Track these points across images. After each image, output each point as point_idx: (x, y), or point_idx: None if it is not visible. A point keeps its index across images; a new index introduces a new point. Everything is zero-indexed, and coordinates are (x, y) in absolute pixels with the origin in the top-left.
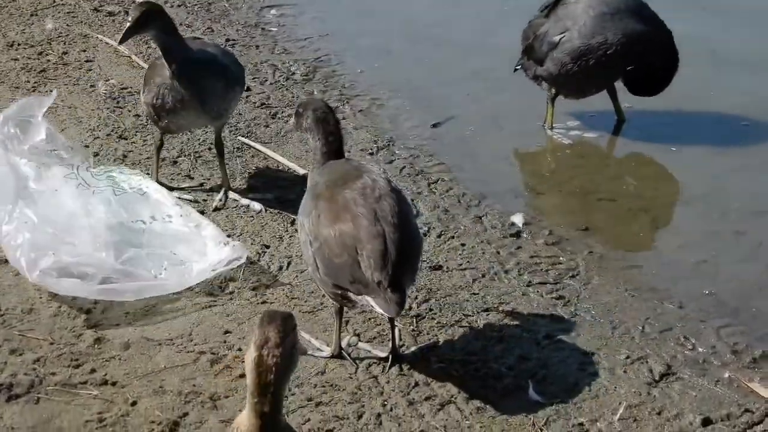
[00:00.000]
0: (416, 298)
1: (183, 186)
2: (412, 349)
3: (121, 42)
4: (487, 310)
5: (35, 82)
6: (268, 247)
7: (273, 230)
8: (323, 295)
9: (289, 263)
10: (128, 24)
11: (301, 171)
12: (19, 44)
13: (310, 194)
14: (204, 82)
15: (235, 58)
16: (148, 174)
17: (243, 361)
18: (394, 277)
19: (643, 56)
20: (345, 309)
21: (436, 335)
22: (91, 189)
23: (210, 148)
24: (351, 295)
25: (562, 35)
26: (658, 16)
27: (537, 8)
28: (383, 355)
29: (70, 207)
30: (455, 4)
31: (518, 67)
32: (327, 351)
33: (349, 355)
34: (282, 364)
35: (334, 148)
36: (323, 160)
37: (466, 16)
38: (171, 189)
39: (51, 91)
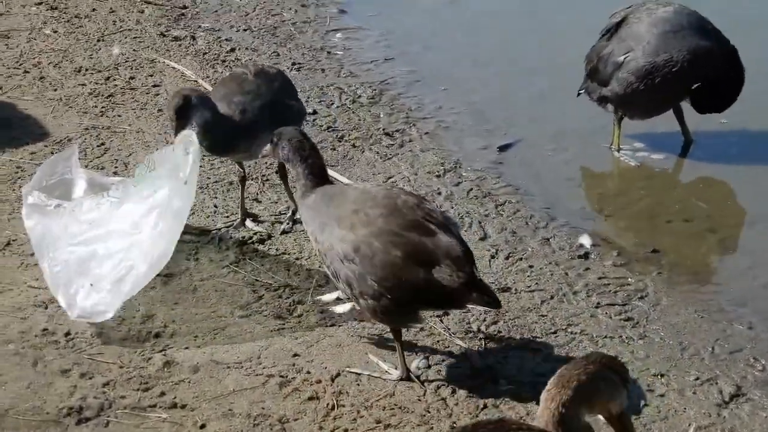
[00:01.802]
0: (485, 320)
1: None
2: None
3: (174, 140)
4: (555, 331)
5: (103, 107)
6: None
7: None
8: None
9: None
10: (171, 123)
11: None
12: (86, 69)
13: (333, 226)
14: (251, 140)
15: (286, 97)
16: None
17: (312, 384)
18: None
19: (708, 73)
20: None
21: (505, 357)
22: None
23: (277, 171)
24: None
25: (626, 55)
26: (720, 32)
27: (600, 30)
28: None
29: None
30: (519, 28)
31: (582, 91)
32: (395, 374)
33: (418, 377)
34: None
35: (316, 170)
36: (311, 185)
37: (529, 39)
38: (251, 217)
39: (73, 143)
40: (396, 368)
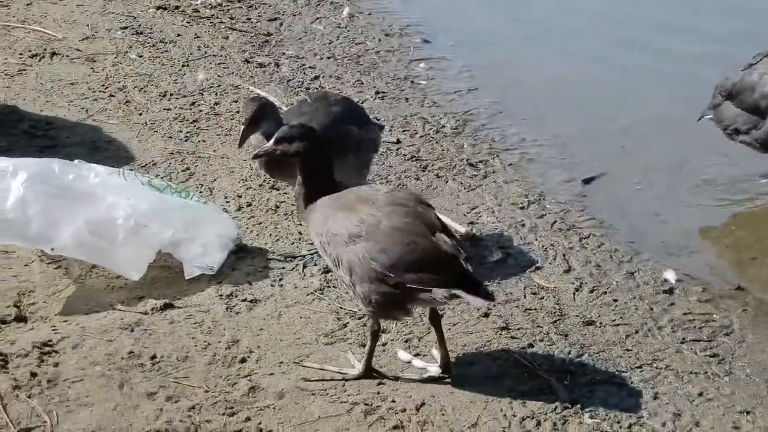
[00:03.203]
0: (569, 353)
1: None
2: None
3: (240, 145)
4: (640, 366)
5: (188, 132)
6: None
7: None
8: (480, 347)
9: (441, 316)
10: (244, 125)
11: (453, 224)
12: (171, 94)
13: (337, 215)
14: None
15: (346, 122)
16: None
17: (396, 413)
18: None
19: None
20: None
21: (590, 390)
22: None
23: None
24: (422, 294)
25: None
26: None
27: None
28: (435, 370)
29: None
30: (601, 60)
31: (706, 117)
32: (355, 372)
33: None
34: None
35: (329, 180)
36: (319, 193)
37: (612, 72)
38: None
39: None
40: (356, 367)
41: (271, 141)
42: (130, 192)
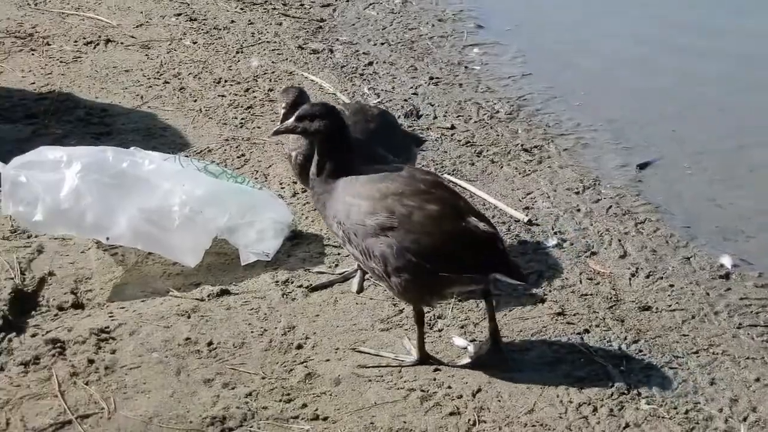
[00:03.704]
0: (625, 338)
1: None
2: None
3: (276, 133)
4: (697, 351)
5: (242, 119)
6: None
7: None
8: (536, 333)
9: (496, 302)
10: (282, 110)
11: (508, 209)
12: (225, 81)
13: (362, 205)
14: None
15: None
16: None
17: (453, 399)
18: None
19: None
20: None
21: (647, 376)
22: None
23: None
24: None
25: None
26: None
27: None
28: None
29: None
30: (657, 43)
31: None
32: (412, 358)
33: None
34: None
35: (348, 161)
36: (337, 174)
37: (667, 56)
38: None
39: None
40: (412, 353)
41: (292, 118)
42: (186, 178)
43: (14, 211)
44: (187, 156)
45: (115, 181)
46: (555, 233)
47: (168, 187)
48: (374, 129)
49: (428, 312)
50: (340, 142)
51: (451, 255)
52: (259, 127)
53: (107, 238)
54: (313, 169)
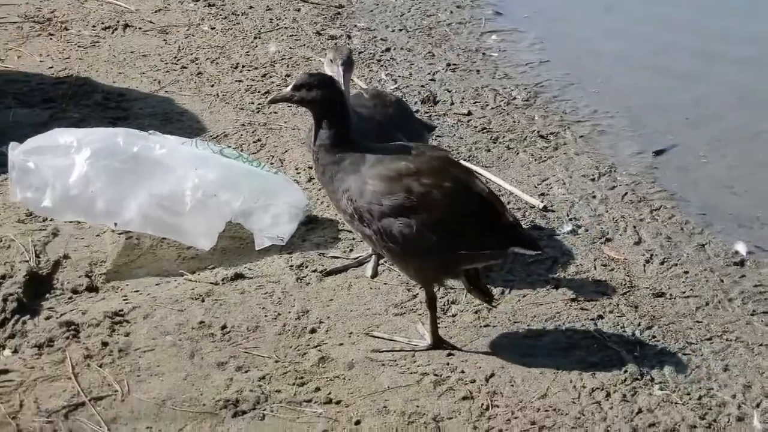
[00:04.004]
0: (639, 324)
1: None
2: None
3: (272, 102)
4: (710, 338)
5: (259, 104)
6: (491, 270)
7: None
8: (549, 318)
9: (511, 288)
10: (341, 68)
11: (523, 195)
12: (243, 66)
13: (377, 185)
14: None
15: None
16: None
17: (466, 383)
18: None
19: None
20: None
21: (660, 362)
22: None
23: None
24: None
25: None
26: None
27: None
28: None
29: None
30: (674, 31)
31: None
32: (425, 343)
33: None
34: None
35: (350, 131)
36: (341, 147)
37: (685, 46)
38: None
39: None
40: (425, 338)
41: (289, 87)
42: (199, 162)
43: (22, 197)
44: (204, 141)
45: (125, 166)
46: (570, 219)
47: (180, 172)
48: (392, 114)
49: (441, 297)
50: (339, 113)
51: (472, 232)
52: (275, 113)
53: (115, 224)
54: (312, 140)
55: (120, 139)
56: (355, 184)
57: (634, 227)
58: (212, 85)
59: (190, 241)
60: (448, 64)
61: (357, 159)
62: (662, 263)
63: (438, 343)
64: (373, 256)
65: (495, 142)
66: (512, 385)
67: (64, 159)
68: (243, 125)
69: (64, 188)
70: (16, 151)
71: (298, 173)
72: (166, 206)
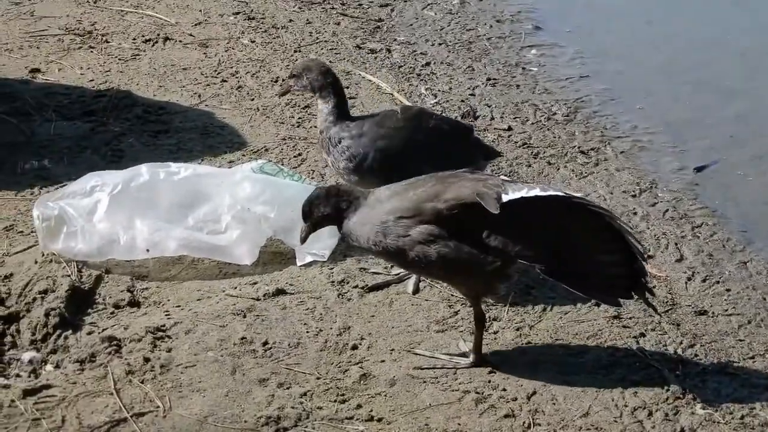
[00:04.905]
0: (681, 343)
1: None
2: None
3: (280, 94)
4: (753, 357)
5: (299, 118)
6: (532, 288)
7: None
8: (591, 336)
9: (552, 305)
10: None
11: None
12: (283, 80)
13: (406, 219)
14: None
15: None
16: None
17: (507, 401)
18: None
19: None
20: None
21: (703, 381)
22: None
23: None
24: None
25: None
26: None
27: None
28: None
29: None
30: (718, 46)
31: None
32: (467, 361)
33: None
34: None
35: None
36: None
37: (727, 60)
38: None
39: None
40: (467, 355)
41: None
42: (235, 180)
43: (53, 249)
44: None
45: (152, 195)
46: None
47: (213, 191)
48: (423, 142)
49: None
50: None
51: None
52: (316, 127)
53: (147, 251)
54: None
55: (144, 170)
56: (372, 228)
57: (676, 244)
58: (252, 99)
59: (230, 258)
60: (488, 79)
61: (374, 203)
62: (704, 281)
63: (480, 360)
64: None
65: (536, 158)
66: (554, 403)
67: (89, 199)
68: (284, 139)
69: (92, 231)
70: (39, 201)
71: None
72: (201, 227)
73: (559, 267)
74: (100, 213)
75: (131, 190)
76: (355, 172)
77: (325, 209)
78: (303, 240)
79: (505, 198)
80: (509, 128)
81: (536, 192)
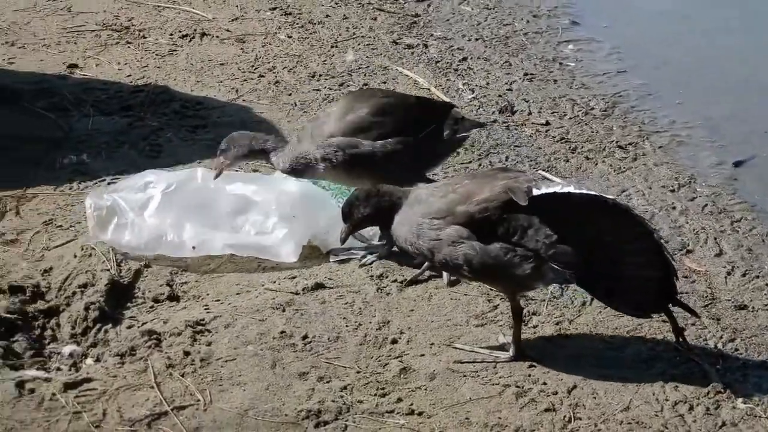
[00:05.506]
0: (721, 337)
1: None
2: None
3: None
4: None
5: None
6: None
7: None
8: (631, 330)
9: (592, 299)
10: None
11: None
12: (320, 75)
13: (433, 222)
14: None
15: None
16: None
17: (548, 395)
18: None
19: None
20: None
21: (744, 375)
22: None
23: None
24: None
25: None
26: None
27: None
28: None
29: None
30: (754, 40)
31: None
32: (507, 355)
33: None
34: None
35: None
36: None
37: (764, 53)
38: None
39: None
40: (506, 349)
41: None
42: (276, 183)
43: (102, 239)
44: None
45: (203, 196)
46: None
47: (258, 196)
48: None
49: (523, 309)
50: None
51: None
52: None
53: (193, 248)
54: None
55: (199, 173)
56: (412, 235)
57: (715, 239)
58: (290, 94)
59: (276, 257)
60: (525, 74)
61: (407, 210)
62: (744, 275)
63: (520, 354)
64: None
65: (573, 153)
66: (594, 398)
67: (142, 194)
68: None
69: (142, 226)
70: (92, 193)
71: None
72: (248, 230)
73: (590, 274)
74: (151, 209)
75: (184, 190)
76: (335, 169)
77: (366, 210)
78: (343, 241)
79: (535, 192)
80: (547, 123)
81: (569, 189)
